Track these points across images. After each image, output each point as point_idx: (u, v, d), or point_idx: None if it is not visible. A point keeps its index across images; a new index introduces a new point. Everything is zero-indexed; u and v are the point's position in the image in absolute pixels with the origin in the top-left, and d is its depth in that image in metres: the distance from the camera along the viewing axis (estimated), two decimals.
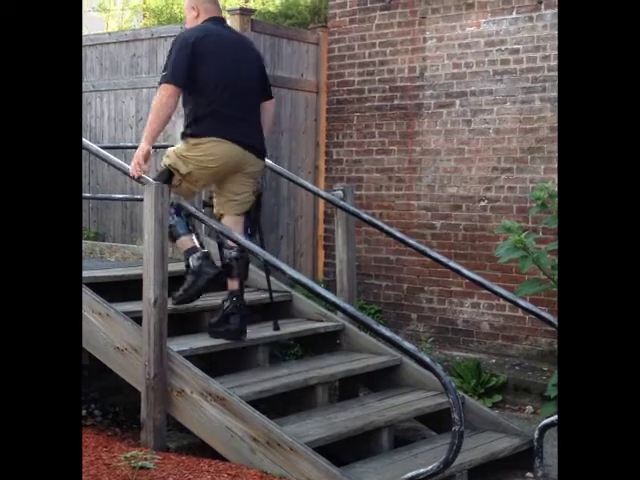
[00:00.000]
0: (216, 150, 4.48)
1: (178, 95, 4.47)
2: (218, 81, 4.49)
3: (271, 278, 5.30)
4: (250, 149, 4.59)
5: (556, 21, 5.98)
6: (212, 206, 5.78)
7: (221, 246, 4.64)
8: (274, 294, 5.19)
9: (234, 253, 4.55)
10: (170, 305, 4.37)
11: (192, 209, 4.53)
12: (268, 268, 4.93)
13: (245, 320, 4.60)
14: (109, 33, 8.02)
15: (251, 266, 5.41)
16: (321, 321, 5.08)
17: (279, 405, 4.41)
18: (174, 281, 4.63)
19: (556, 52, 5.98)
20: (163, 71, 4.49)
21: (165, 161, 4.66)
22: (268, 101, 4.82)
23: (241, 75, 4.60)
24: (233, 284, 4.61)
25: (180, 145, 4.66)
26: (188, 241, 4.60)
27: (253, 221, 4.76)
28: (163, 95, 4.39)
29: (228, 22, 6.61)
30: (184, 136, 4.64)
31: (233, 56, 4.59)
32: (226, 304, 4.60)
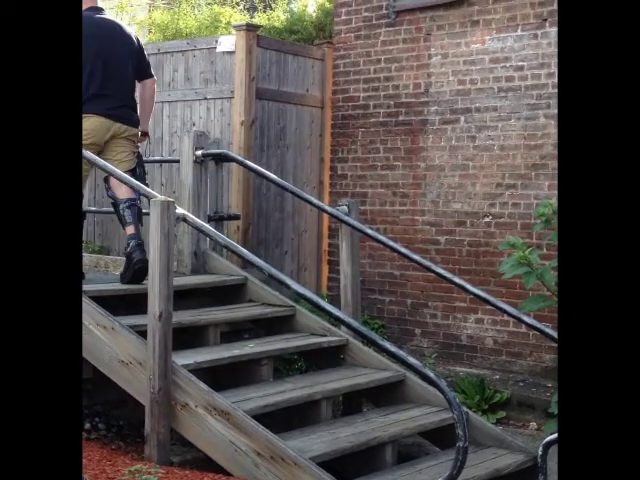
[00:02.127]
0: (86, 125, 4.92)
1: None
2: (94, 61, 5.00)
3: (275, 292, 5.33)
4: (117, 119, 5.11)
5: None
6: (217, 220, 5.83)
7: (115, 204, 5.12)
8: (279, 309, 5.21)
9: (127, 203, 5.06)
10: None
11: (198, 222, 4.55)
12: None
13: (145, 252, 4.93)
14: None
15: (255, 280, 5.44)
16: (325, 336, 5.08)
17: (283, 420, 4.40)
18: (179, 295, 4.65)
19: None
20: None
21: None
22: (147, 80, 5.38)
23: (114, 56, 5.11)
24: (130, 229, 5.06)
25: None
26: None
27: (139, 179, 5.14)
28: None
29: (234, 38, 6.70)
30: None
31: (107, 39, 5.11)
32: (128, 246, 5.04)
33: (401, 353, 3.70)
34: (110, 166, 4.74)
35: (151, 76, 5.41)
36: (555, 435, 4.34)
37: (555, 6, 6.02)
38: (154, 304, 4.13)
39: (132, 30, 5.36)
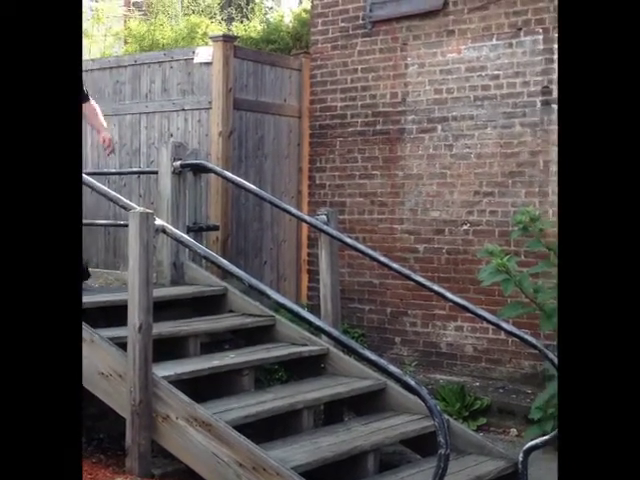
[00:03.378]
0: None
1: None
2: None
3: (255, 303, 5.33)
4: None
5: (535, 47, 6.08)
6: (196, 231, 5.83)
7: None
8: (259, 319, 5.21)
9: None
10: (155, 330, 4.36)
11: (177, 233, 4.54)
12: None
13: None
14: (92, 60, 8.05)
15: (236, 291, 5.44)
16: (305, 345, 5.08)
17: (265, 430, 4.40)
18: (159, 306, 4.63)
19: (535, 78, 6.07)
20: None
21: None
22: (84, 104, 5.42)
23: None
24: None
25: None
26: None
27: None
28: None
29: (211, 49, 6.70)
30: None
31: None
32: None
33: (382, 361, 3.71)
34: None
35: (85, 101, 5.46)
36: (535, 441, 4.38)
37: (529, 15, 6.09)
38: (134, 316, 4.12)
39: None
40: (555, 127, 5.98)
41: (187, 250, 5.45)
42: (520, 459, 4.35)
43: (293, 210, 5.80)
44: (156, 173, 5.88)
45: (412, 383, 3.59)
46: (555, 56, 5.98)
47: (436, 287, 4.98)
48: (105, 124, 5.84)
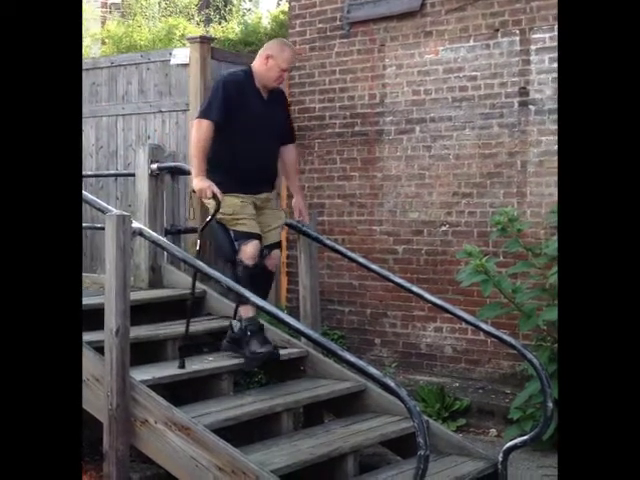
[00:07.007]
0: None
1: None
2: None
3: (234, 305, 5.30)
4: None
5: (512, 48, 6.10)
6: (174, 233, 5.79)
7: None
8: None
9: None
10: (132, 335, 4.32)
11: (155, 236, 4.51)
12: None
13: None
14: None
15: (214, 294, 5.41)
16: (285, 348, 5.06)
17: (244, 433, 4.38)
18: (137, 310, 4.60)
19: (512, 79, 6.09)
20: None
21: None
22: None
23: None
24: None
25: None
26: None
27: None
28: None
29: (188, 50, 6.68)
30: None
31: None
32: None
33: (361, 363, 3.70)
34: None
35: None
36: (514, 441, 4.39)
37: (506, 17, 6.11)
38: (111, 319, 4.09)
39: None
40: (532, 128, 6.01)
41: (165, 253, 5.42)
42: (500, 459, 4.35)
43: None
44: (133, 175, 5.84)
45: (392, 384, 3.58)
46: (532, 57, 6.00)
47: (415, 288, 4.97)
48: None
